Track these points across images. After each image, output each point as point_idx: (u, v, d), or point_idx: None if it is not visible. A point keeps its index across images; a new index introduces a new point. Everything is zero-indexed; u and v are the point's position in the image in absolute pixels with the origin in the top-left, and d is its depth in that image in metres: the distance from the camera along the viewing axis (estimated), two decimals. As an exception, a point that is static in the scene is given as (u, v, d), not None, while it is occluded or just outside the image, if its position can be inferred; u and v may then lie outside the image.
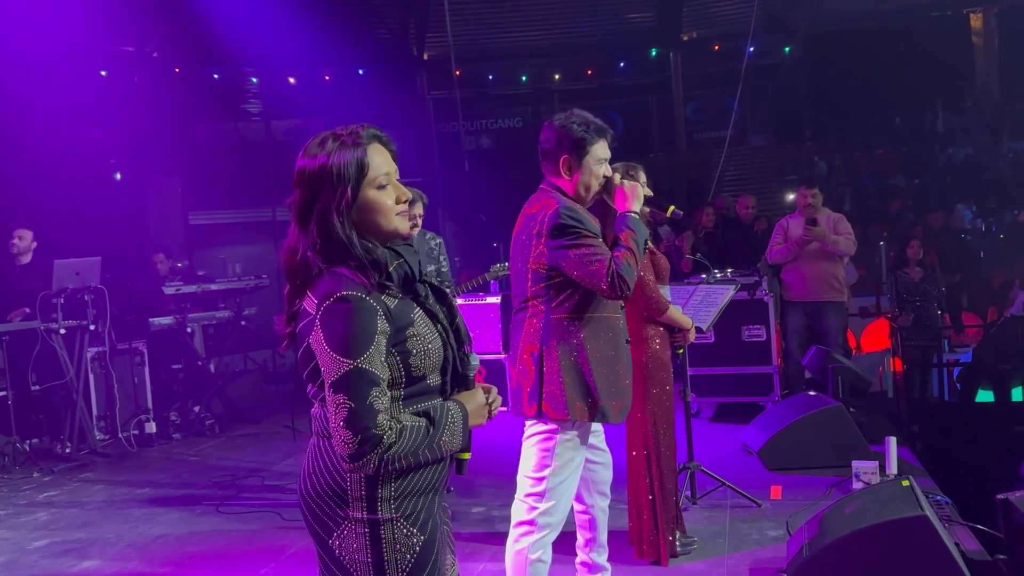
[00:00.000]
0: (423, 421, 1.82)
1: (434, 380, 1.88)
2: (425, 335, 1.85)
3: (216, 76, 13.69)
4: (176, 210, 10.99)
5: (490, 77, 15.13)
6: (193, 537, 4.76)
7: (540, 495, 3.01)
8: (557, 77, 14.95)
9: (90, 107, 9.83)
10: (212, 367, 7.78)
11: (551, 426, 3.03)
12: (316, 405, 1.89)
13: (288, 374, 9.71)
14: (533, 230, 3.01)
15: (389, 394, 1.78)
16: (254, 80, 13.85)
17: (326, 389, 1.76)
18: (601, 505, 3.38)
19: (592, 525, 3.38)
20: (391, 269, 1.83)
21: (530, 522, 3.01)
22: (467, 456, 1.93)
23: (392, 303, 1.82)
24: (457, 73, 12.85)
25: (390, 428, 1.75)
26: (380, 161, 1.87)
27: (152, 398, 7.36)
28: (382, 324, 1.77)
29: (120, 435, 6.95)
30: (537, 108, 15.02)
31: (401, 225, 1.88)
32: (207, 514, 5.15)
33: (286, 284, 1.90)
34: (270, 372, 9.38)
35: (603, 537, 3.42)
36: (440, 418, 1.84)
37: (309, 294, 1.82)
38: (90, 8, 10.02)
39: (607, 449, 3.39)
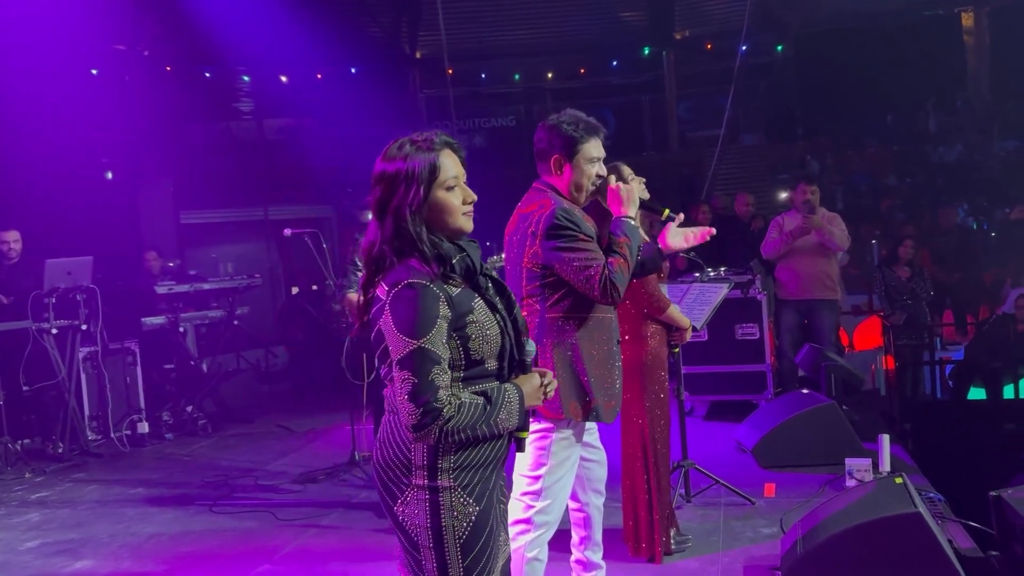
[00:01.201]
0: (481, 399, 2.02)
1: (492, 365, 2.08)
2: (484, 322, 2.05)
3: (208, 75, 13.62)
4: (168, 209, 10.93)
5: (483, 76, 15.10)
6: (187, 536, 4.75)
7: (536, 493, 3.02)
8: (550, 76, 14.92)
9: (81, 106, 9.77)
10: (204, 367, 7.76)
11: (546, 425, 3.03)
12: (388, 386, 2.09)
13: (280, 373, 9.69)
14: (528, 229, 3.01)
15: (450, 373, 1.98)
16: (246, 79, 13.79)
17: (393, 367, 1.98)
18: (596, 503, 3.39)
19: (587, 523, 3.39)
20: (455, 262, 2.04)
21: (527, 520, 3.01)
22: (526, 435, 2.13)
23: (454, 292, 2.03)
24: (450, 72, 12.82)
25: (449, 403, 1.96)
26: (450, 164, 2.09)
27: (144, 398, 7.34)
28: (444, 310, 1.98)
29: (112, 435, 6.93)
30: (530, 107, 15.00)
31: (466, 224, 2.11)
32: (200, 514, 5.14)
33: (364, 274, 2.13)
34: (263, 372, 9.36)
35: (598, 535, 3.42)
36: (497, 398, 2.04)
37: (382, 283, 2.04)
38: (81, 7, 9.96)
39: (602, 447, 3.39)
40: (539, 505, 3.02)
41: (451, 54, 12.49)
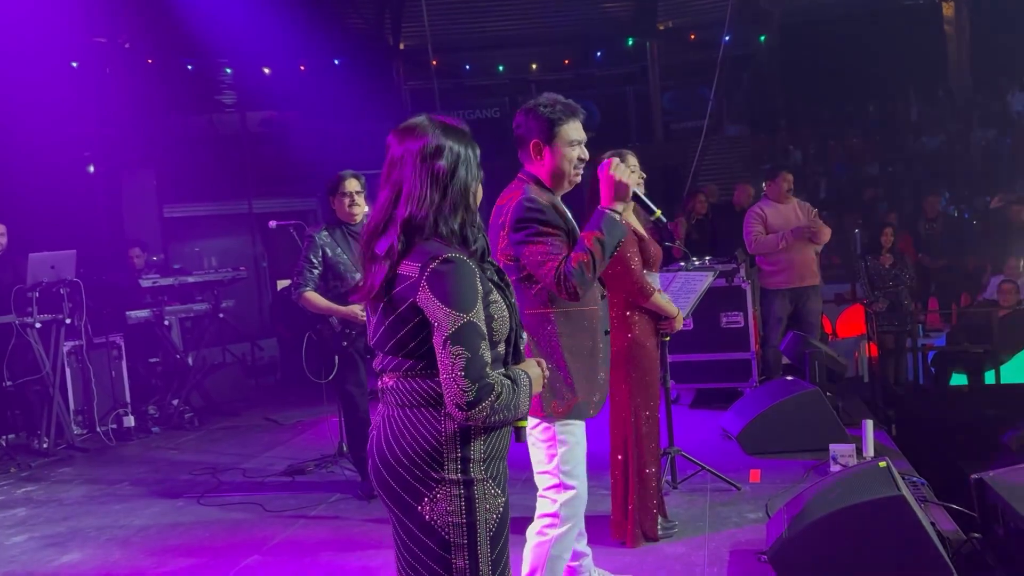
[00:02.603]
0: (508, 380, 1.98)
1: (501, 348, 2.05)
2: (500, 303, 2.03)
3: (190, 67, 13.53)
4: (151, 202, 10.85)
5: (467, 67, 15.07)
6: (175, 529, 4.75)
7: (557, 487, 2.97)
8: (534, 67, 14.91)
9: (62, 99, 9.67)
10: (190, 360, 7.73)
11: (547, 418, 2.99)
12: (391, 378, 2.03)
13: (266, 367, 9.66)
14: (499, 220, 2.95)
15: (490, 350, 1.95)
16: (228, 71, 13.70)
17: (438, 343, 1.89)
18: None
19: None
20: (475, 245, 2.04)
21: (554, 515, 2.96)
22: (525, 424, 2.10)
23: (478, 272, 2.00)
24: (434, 63, 12.78)
25: (497, 380, 1.93)
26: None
27: (130, 392, 7.31)
28: (479, 285, 1.96)
29: (98, 429, 6.90)
30: (514, 98, 14.95)
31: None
32: (188, 506, 5.14)
33: (378, 249, 2.06)
34: (249, 365, 9.33)
35: (581, 523, 3.43)
36: (520, 381, 2.01)
37: (406, 261, 1.96)
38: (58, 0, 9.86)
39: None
40: (563, 497, 2.95)
41: (435, 45, 12.45)
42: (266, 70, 13.68)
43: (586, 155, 3.01)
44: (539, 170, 3.00)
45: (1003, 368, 7.71)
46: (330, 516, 4.78)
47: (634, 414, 3.86)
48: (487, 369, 1.90)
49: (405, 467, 1.96)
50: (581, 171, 3.02)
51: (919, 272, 8.36)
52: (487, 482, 1.98)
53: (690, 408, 6.86)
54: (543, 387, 2.14)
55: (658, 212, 3.14)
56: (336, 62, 14.23)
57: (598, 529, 3.92)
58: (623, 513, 3.95)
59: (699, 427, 6.12)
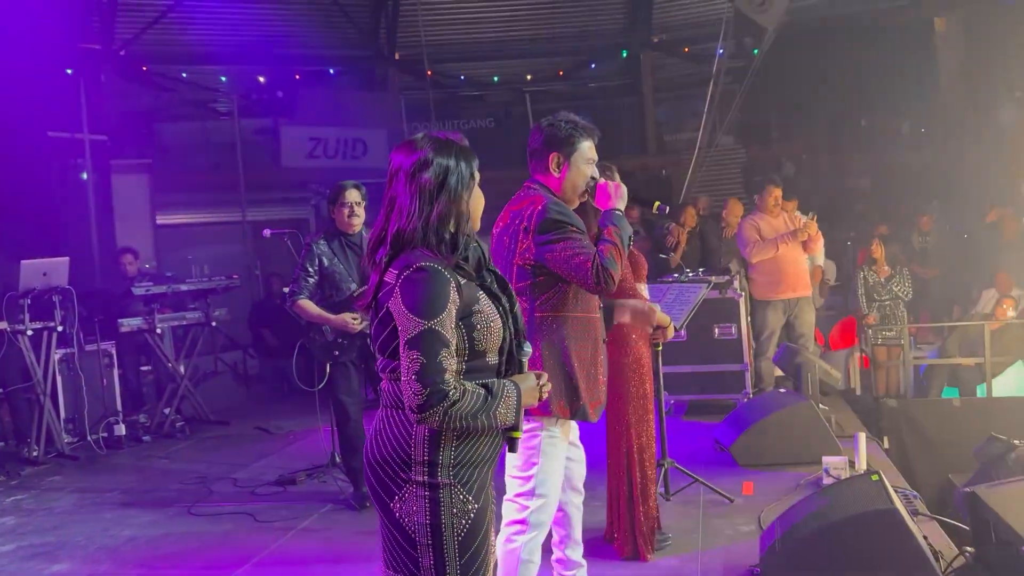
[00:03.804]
0: (483, 390, 2.04)
1: (492, 359, 2.12)
2: (489, 314, 2.10)
3: (184, 75, 13.52)
4: (144, 210, 10.84)
5: (461, 77, 15.11)
6: (165, 539, 4.72)
7: (530, 493, 3.01)
8: (529, 78, 14.96)
9: (56, 106, 9.67)
10: (182, 369, 7.70)
11: (534, 423, 3.03)
12: (386, 380, 2.12)
13: (257, 376, 9.64)
14: (520, 226, 3.02)
15: (456, 359, 2.02)
16: (223, 79, 13.70)
17: (401, 347, 1.99)
18: (575, 501, 3.40)
19: (567, 521, 3.40)
20: (469, 253, 2.12)
21: (522, 521, 3.00)
22: (519, 435, 2.14)
23: (463, 281, 2.08)
24: (429, 73, 12.81)
25: (455, 387, 1.98)
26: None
27: (121, 400, 7.27)
28: (454, 294, 2.03)
29: (89, 438, 6.85)
30: (509, 108, 15.01)
31: (478, 222, 2.22)
32: (179, 516, 5.11)
33: (374, 260, 2.17)
34: (241, 374, 9.30)
35: (578, 533, 3.44)
36: (498, 391, 2.06)
37: (390, 269, 2.08)
38: (55, 5, 9.86)
39: (580, 445, 3.41)
40: (533, 505, 3.00)
41: (430, 55, 12.49)
42: (261, 79, 13.70)
43: (597, 174, 3.17)
44: (552, 182, 3.12)
45: (994, 382, 7.74)
46: (322, 527, 4.75)
47: (633, 427, 3.89)
48: (445, 376, 1.96)
49: (380, 465, 2.08)
50: (590, 187, 3.17)
51: (912, 284, 8.39)
52: (455, 487, 2.03)
53: (684, 419, 6.86)
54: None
55: (656, 203, 3.36)
56: (331, 71, 14.25)
57: (594, 541, 3.91)
58: (619, 525, 3.95)
59: (693, 438, 6.12)
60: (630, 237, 3.09)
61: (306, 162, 12.15)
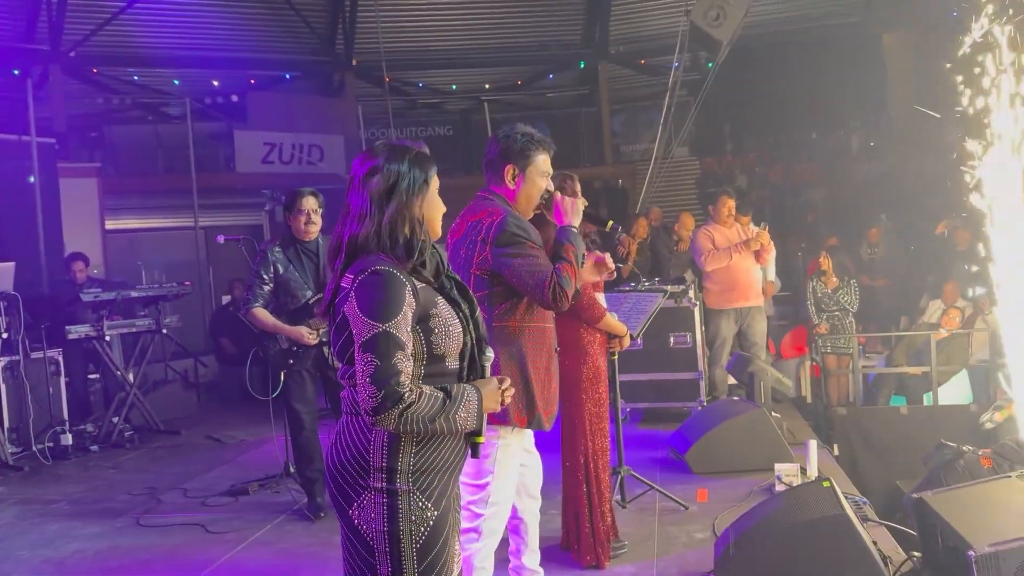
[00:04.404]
0: (441, 393, 2.03)
1: (452, 363, 2.12)
2: (447, 318, 2.10)
3: (136, 78, 13.30)
4: (92, 215, 10.61)
5: (420, 85, 15.10)
6: (113, 552, 4.60)
7: (483, 502, 3.02)
8: (487, 87, 15.01)
9: (2, 107, 9.44)
10: (131, 377, 7.54)
11: (490, 432, 3.03)
12: (344, 386, 2.11)
13: (209, 384, 9.48)
14: (478, 236, 3.05)
15: (412, 362, 2.01)
16: (176, 82, 13.50)
17: (356, 350, 1.98)
18: (532, 509, 3.41)
19: (523, 529, 3.41)
20: (427, 258, 2.12)
21: (475, 529, 3.01)
22: (481, 440, 2.12)
23: (420, 285, 2.08)
24: (387, 80, 12.77)
25: (411, 389, 1.96)
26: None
27: (68, 409, 7.09)
28: (410, 298, 2.03)
29: (34, 447, 6.66)
30: (467, 116, 15.04)
31: (439, 228, 2.23)
32: (127, 528, 4.99)
33: (332, 266, 2.19)
34: (192, 382, 9.14)
35: (534, 541, 3.45)
36: (457, 395, 2.04)
37: (347, 273, 2.08)
38: (2, 5, 9.63)
39: (536, 452, 3.42)
40: (487, 513, 3.02)
41: (388, 62, 12.46)
42: (215, 82, 13.53)
43: (552, 187, 3.22)
44: (508, 193, 3.15)
45: (940, 390, 7.93)
46: (275, 538, 4.68)
47: (589, 435, 3.91)
48: (400, 378, 1.95)
49: (338, 472, 2.07)
50: (545, 199, 3.22)
51: (860, 295, 8.57)
52: (413, 494, 2.03)
53: (639, 427, 6.91)
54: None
55: (610, 222, 3.43)
56: (287, 76, 14.13)
57: (551, 549, 3.92)
58: (575, 533, 3.96)
59: (648, 446, 6.17)
60: (583, 254, 3.15)
61: (261, 167, 12.01)
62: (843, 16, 14.14)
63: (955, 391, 8.25)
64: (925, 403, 8.04)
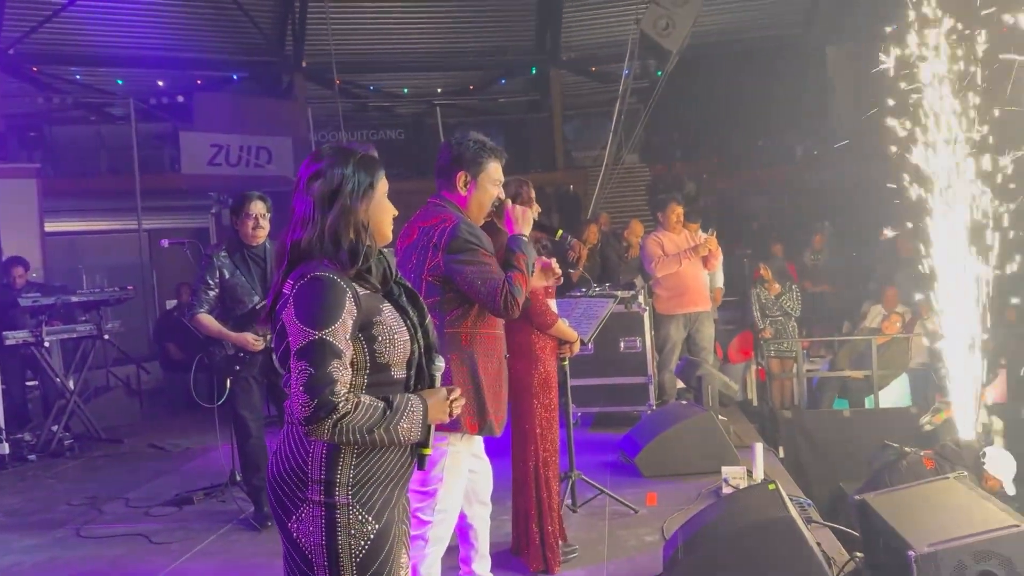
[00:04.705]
0: (382, 403, 1.98)
1: (398, 372, 2.06)
2: (392, 326, 2.06)
3: (78, 77, 12.97)
4: (31, 217, 10.31)
5: (371, 88, 15.00)
6: (52, 564, 4.47)
7: (430, 509, 3.01)
8: (439, 91, 14.97)
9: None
10: (71, 384, 7.33)
11: (439, 438, 3.02)
12: (288, 394, 2.02)
13: (153, 391, 9.28)
14: (430, 242, 3.04)
15: (351, 371, 1.96)
16: (120, 82, 13.20)
17: (291, 358, 1.90)
18: (482, 515, 3.41)
19: (473, 535, 3.40)
20: (372, 264, 2.08)
21: (421, 536, 3.00)
22: (428, 452, 2.07)
23: (363, 292, 2.03)
24: (338, 82, 12.66)
25: (347, 399, 1.92)
26: (384, 179, 2.17)
27: (4, 417, 6.86)
28: (350, 305, 1.98)
29: (-33, 457, 6.45)
30: (419, 120, 14.98)
31: (390, 232, 2.18)
32: (67, 539, 4.86)
33: (277, 272, 2.14)
34: (134, 389, 8.93)
35: (484, 547, 3.44)
36: (400, 405, 1.99)
37: (288, 280, 2.03)
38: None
39: (486, 458, 3.42)
40: (434, 520, 3.01)
41: (339, 65, 12.35)
42: (160, 82, 13.26)
43: (503, 194, 3.23)
44: (459, 200, 3.15)
45: (881, 393, 8.13)
46: (221, 549, 4.59)
47: (539, 441, 3.92)
48: (335, 387, 1.90)
49: (277, 483, 2.02)
50: (495, 207, 3.23)
51: (804, 300, 8.75)
52: (353, 507, 1.98)
53: (590, 431, 6.94)
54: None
55: (559, 231, 3.45)
56: (234, 77, 13.92)
57: (501, 555, 3.91)
58: (525, 538, 3.96)
59: (599, 450, 6.20)
60: (532, 263, 3.17)
61: (207, 169, 11.79)
62: (788, 28, 14.47)
63: (896, 394, 8.46)
64: (867, 406, 8.23)
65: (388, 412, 1.98)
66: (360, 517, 1.98)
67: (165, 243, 5.75)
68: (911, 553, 3.20)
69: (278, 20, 13.64)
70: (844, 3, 13.18)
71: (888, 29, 5.55)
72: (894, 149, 5.42)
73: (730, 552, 3.43)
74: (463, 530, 3.37)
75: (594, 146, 14.87)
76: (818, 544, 3.53)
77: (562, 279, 4.02)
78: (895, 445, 5.42)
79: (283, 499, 2.01)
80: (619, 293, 6.34)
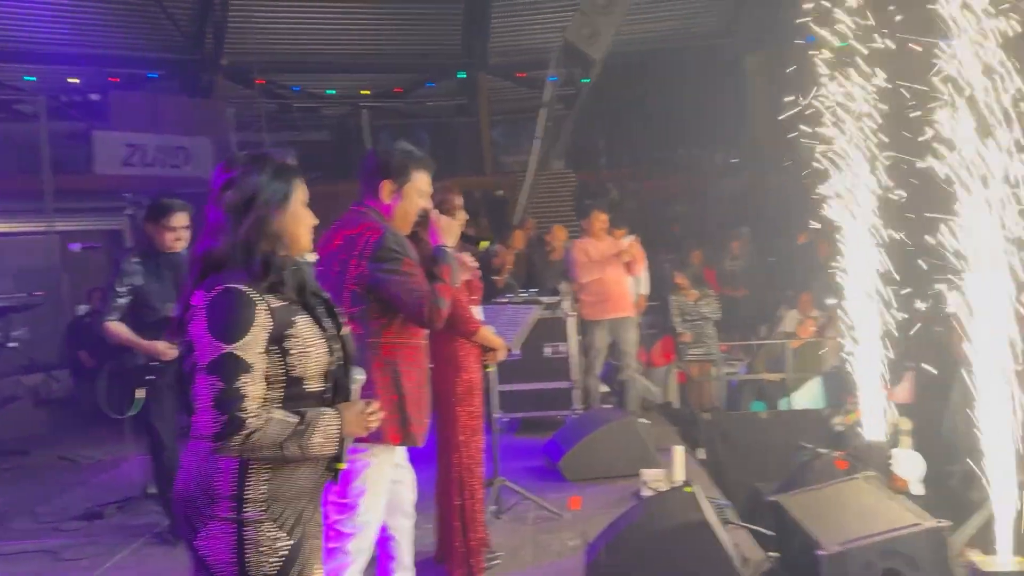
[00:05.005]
0: (295, 418, 1.91)
1: (313, 385, 2.00)
2: (307, 338, 2.01)
3: (-17, 72, 12.41)
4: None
5: (295, 88, 14.75)
6: (-51, 585, 4.26)
7: (350, 521, 2.96)
8: (367, 93, 14.83)
9: None
10: (-26, 393, 7.01)
11: (360, 449, 2.98)
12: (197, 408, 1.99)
13: (62, 400, 8.91)
14: (355, 250, 3.00)
15: (263, 385, 1.89)
16: (30, 78, 12.67)
17: (199, 372, 1.86)
18: (406, 526, 3.37)
19: (395, 547, 3.36)
20: (286, 275, 2.02)
21: (341, 549, 2.95)
22: (342, 466, 2.04)
23: (277, 304, 1.99)
24: (260, 82, 12.42)
25: (256, 415, 1.87)
26: (303, 187, 2.12)
27: (-102, 429, 6.52)
28: (262, 318, 1.94)
29: None
30: (345, 122, 14.80)
31: (309, 242, 2.15)
32: (-33, 558, 4.63)
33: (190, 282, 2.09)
34: (42, 398, 8.57)
35: (408, 558, 3.41)
36: (313, 419, 1.94)
37: (198, 292, 1.99)
38: None
39: (410, 467, 3.39)
40: (355, 533, 2.96)
41: (261, 64, 12.12)
42: (73, 79, 12.79)
43: (429, 205, 3.20)
44: (384, 209, 3.12)
45: (795, 396, 8.39)
46: (134, 564, 4.45)
47: (464, 448, 3.92)
48: (244, 403, 1.87)
49: (185, 500, 1.98)
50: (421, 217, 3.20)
51: (722, 304, 8.96)
52: (263, 523, 1.93)
53: (516, 436, 6.96)
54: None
55: (483, 243, 3.37)
56: (150, 75, 13.52)
57: (425, 563, 3.88)
58: (449, 546, 3.95)
59: (525, 455, 6.22)
60: (458, 274, 3.20)
61: (122, 169, 11.41)
62: (708, 38, 14.85)
63: (810, 396, 8.73)
64: (782, 408, 8.48)
65: (300, 426, 1.93)
66: (271, 534, 1.93)
67: (77, 247, 5.53)
68: (821, 552, 3.31)
69: (197, 17, 13.30)
70: (764, 13, 13.58)
71: (801, 42, 5.73)
72: (817, 157, 5.59)
73: (647, 555, 3.50)
74: (384, 541, 3.33)
75: (522, 151, 14.93)
76: (736, 545, 3.63)
77: (480, 273, 4.03)
78: (809, 446, 5.58)
79: (190, 516, 1.95)
80: (544, 299, 6.38)
